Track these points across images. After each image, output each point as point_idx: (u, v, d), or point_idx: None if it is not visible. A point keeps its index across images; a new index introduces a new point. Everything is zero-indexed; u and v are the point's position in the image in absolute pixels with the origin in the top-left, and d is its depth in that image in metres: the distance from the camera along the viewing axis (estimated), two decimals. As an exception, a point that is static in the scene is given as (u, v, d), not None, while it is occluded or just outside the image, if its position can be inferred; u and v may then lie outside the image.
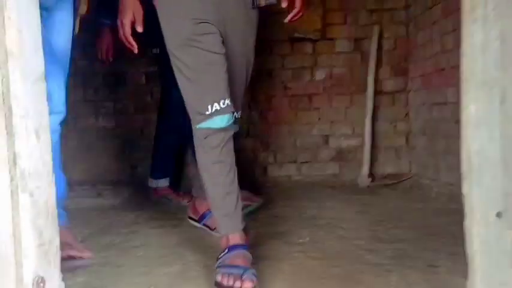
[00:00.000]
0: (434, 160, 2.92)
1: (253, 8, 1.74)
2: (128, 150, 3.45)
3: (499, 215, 0.97)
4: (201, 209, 2.15)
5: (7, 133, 1.00)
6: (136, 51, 1.69)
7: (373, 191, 3.06)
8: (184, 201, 2.66)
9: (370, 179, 3.23)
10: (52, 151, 1.08)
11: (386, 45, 3.38)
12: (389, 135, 3.43)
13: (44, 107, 1.09)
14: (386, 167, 3.42)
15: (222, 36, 1.65)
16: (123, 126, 3.47)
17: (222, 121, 1.60)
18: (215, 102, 1.59)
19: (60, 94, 1.78)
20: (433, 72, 2.91)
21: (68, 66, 1.85)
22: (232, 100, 1.65)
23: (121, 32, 1.67)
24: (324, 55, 3.41)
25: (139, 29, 1.65)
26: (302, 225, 2.17)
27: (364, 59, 3.35)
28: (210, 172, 1.60)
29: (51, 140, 1.09)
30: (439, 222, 2.12)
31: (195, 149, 1.64)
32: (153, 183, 2.86)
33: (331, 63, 3.41)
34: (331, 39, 3.39)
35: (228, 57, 1.66)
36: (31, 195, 0.99)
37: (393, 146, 3.42)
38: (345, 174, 3.42)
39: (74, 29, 1.86)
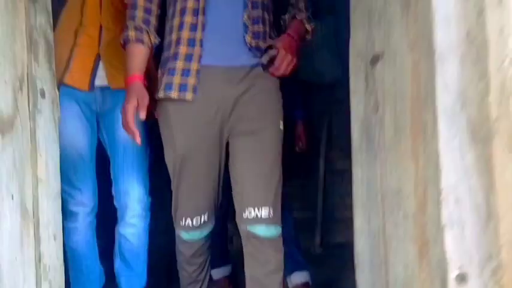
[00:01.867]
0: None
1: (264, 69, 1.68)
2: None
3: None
4: None
5: (35, 238, 1.41)
6: (138, 140, 1.64)
7: (323, 259, 3.48)
8: None
9: (321, 248, 3.67)
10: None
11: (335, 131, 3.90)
12: (339, 207, 3.88)
13: (59, 217, 1.52)
14: (337, 237, 3.86)
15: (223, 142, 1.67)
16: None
17: (194, 236, 1.67)
18: (189, 217, 1.66)
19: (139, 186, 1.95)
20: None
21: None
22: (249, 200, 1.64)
23: (123, 118, 1.64)
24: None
25: (142, 115, 1.61)
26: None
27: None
28: (182, 272, 1.77)
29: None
30: None
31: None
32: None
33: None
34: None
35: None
36: (50, 283, 1.40)
37: (342, 218, 3.88)
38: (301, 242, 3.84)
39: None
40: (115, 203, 2.02)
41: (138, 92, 1.61)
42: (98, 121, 2.01)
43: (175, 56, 1.64)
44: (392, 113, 1.16)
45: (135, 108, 1.60)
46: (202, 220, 1.66)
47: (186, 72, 1.63)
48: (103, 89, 1.93)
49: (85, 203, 1.95)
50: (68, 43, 1.88)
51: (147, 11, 1.68)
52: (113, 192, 2.01)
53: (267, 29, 1.73)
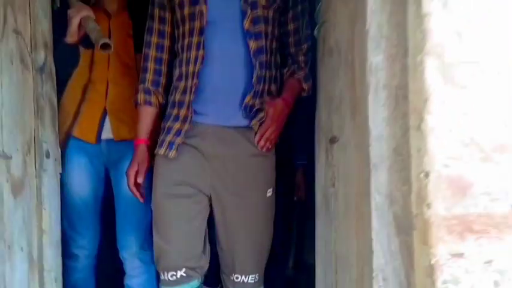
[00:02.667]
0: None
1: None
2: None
3: None
4: None
5: (39, 283, 1.63)
6: (141, 200, 1.80)
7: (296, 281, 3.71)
8: None
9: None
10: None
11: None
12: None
13: (60, 261, 1.74)
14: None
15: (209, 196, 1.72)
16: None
17: None
18: (168, 271, 1.68)
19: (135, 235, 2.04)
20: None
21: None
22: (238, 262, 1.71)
23: (127, 182, 1.80)
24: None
25: (139, 180, 1.76)
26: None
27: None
28: None
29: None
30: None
31: None
32: None
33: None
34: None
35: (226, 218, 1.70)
36: (51, 322, 1.62)
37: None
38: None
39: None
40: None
41: (140, 158, 1.77)
42: (108, 172, 2.13)
43: (175, 118, 1.72)
44: (343, 192, 1.41)
45: (136, 173, 1.76)
46: (178, 275, 1.66)
47: (178, 132, 1.71)
48: (109, 141, 2.02)
49: (85, 247, 2.08)
50: (77, 98, 2.00)
51: (157, 72, 1.81)
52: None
53: (273, 73, 1.76)
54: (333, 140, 1.53)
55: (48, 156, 1.76)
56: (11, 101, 1.55)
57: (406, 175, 1.12)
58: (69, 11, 1.86)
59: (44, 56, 1.80)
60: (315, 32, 1.75)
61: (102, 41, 1.73)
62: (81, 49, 1.97)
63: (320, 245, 1.70)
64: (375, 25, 1.16)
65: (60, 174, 1.89)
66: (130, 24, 2.04)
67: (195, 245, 1.71)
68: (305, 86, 1.79)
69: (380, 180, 1.13)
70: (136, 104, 1.82)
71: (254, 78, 1.67)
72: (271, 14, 1.71)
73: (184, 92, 1.71)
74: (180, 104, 1.72)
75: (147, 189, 1.85)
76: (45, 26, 1.83)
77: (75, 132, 2.00)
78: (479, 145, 1.06)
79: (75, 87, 2.00)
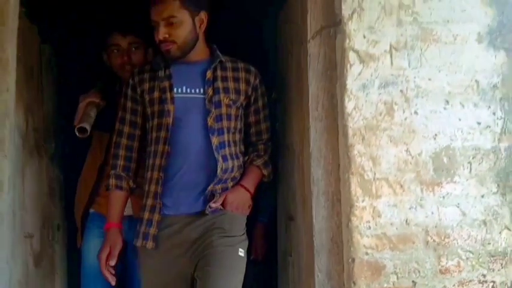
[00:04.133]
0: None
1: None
2: None
3: None
4: None
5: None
6: (112, 283, 1.82)
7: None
8: None
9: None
10: None
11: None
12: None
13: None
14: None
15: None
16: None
17: None
18: None
19: None
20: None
21: None
22: None
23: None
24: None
25: (111, 263, 1.79)
26: None
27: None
28: None
29: None
30: None
31: None
32: None
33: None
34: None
35: None
36: None
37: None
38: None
39: None
40: None
41: (112, 241, 1.83)
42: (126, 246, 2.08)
43: (143, 207, 1.82)
44: (297, 263, 1.84)
45: (108, 256, 1.80)
46: None
47: (149, 223, 1.79)
48: (129, 217, 2.02)
49: None
50: (93, 178, 2.08)
51: (127, 159, 1.88)
52: None
53: (236, 163, 1.83)
54: (290, 218, 1.96)
55: (58, 229, 2.13)
56: (32, 188, 1.92)
57: (340, 258, 1.56)
58: (80, 97, 2.03)
59: (54, 145, 2.18)
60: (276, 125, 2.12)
61: (79, 125, 1.87)
62: (94, 132, 2.04)
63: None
64: (316, 148, 1.61)
65: (80, 246, 2.04)
66: None
67: None
68: (265, 172, 1.90)
69: (321, 261, 1.57)
70: (107, 189, 1.91)
71: (218, 170, 1.77)
72: (233, 111, 1.83)
73: (150, 182, 1.81)
74: (147, 194, 1.82)
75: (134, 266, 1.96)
76: (55, 120, 2.21)
77: (95, 208, 2.08)
78: (389, 238, 1.51)
79: (91, 168, 2.10)
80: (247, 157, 1.89)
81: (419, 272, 1.53)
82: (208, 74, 1.81)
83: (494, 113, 1.58)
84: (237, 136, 1.86)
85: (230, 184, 1.83)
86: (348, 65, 1.57)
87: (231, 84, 1.83)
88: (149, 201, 1.80)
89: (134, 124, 1.89)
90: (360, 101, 1.55)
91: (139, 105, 1.88)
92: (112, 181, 1.86)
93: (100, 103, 2.01)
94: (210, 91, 1.80)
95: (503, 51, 1.61)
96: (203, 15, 1.80)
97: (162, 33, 1.74)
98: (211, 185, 1.76)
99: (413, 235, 1.53)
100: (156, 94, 1.82)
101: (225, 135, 1.80)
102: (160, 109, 1.80)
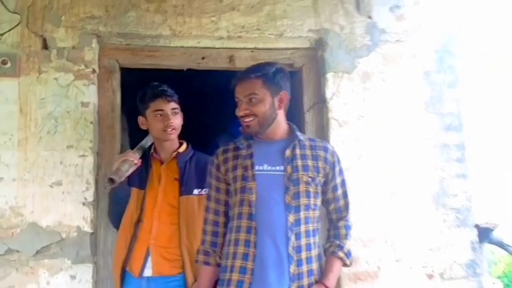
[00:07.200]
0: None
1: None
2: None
3: None
4: None
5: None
6: None
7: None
8: None
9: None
10: None
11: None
12: None
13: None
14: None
15: None
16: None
17: None
18: None
19: None
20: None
21: None
22: None
23: None
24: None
25: None
26: None
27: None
28: None
29: None
30: None
31: None
32: None
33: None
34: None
35: None
36: None
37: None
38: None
39: None
40: None
41: None
42: None
43: (222, 281, 1.83)
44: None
45: None
46: None
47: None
48: (149, 278, 2.09)
49: None
50: (130, 234, 2.15)
51: (214, 234, 1.93)
52: None
53: (311, 240, 1.83)
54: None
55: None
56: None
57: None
58: (117, 156, 2.27)
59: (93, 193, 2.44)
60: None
61: (109, 175, 2.04)
62: (133, 189, 2.19)
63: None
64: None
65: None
66: (178, 170, 2.22)
67: None
68: (348, 262, 1.89)
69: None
70: (196, 262, 1.96)
71: (290, 248, 1.78)
72: (312, 188, 1.85)
73: (234, 257, 1.82)
74: (232, 269, 1.81)
75: None
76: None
77: (128, 267, 2.14)
78: (361, 239, 2.34)
79: (128, 225, 2.17)
80: (328, 244, 1.91)
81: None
82: (287, 152, 1.86)
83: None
84: (315, 213, 1.88)
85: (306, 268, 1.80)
86: (331, 128, 2.48)
87: (309, 162, 1.88)
88: (233, 275, 1.80)
89: (218, 200, 1.95)
90: (339, 152, 2.15)
91: (223, 183, 1.94)
92: (200, 257, 1.93)
93: (135, 162, 2.13)
94: (289, 169, 1.84)
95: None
96: (283, 95, 1.87)
97: (243, 109, 1.84)
98: (293, 267, 1.77)
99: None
100: (239, 172, 1.88)
101: (301, 213, 1.82)
102: (243, 186, 1.86)
